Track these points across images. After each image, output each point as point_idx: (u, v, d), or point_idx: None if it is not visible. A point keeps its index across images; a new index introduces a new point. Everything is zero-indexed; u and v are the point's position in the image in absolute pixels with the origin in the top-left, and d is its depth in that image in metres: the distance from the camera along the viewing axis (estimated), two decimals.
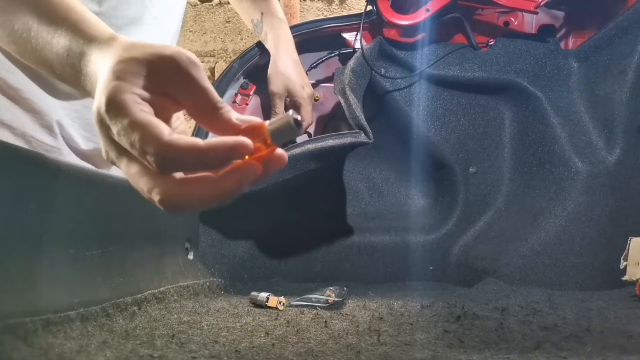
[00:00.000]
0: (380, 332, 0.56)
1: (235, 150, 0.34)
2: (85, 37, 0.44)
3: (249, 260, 1.02)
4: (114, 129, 0.35)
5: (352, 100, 0.94)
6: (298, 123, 0.35)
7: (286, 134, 0.36)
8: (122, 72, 0.36)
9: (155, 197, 0.35)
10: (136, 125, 0.34)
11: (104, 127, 0.36)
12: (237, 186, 0.35)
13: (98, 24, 0.45)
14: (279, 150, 0.38)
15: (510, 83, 1.05)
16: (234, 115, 0.38)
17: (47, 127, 0.71)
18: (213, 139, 0.35)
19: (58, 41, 0.45)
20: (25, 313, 0.43)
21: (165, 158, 0.33)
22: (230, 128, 0.37)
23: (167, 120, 0.39)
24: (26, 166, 0.48)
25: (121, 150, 0.36)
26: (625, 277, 0.79)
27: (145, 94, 0.36)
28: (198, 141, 0.34)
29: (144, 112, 0.35)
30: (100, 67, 0.39)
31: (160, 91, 0.37)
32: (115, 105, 0.34)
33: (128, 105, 0.34)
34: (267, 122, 0.37)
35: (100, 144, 0.38)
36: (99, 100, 0.36)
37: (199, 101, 0.37)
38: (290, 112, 0.35)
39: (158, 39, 0.80)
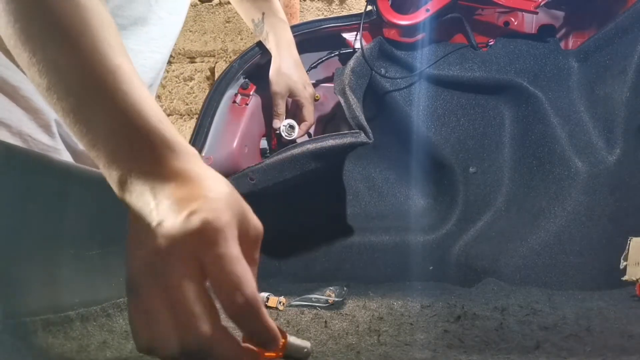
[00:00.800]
0: (380, 332, 0.56)
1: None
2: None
3: None
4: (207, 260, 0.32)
5: (352, 100, 0.94)
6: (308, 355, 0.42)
7: (298, 357, 0.42)
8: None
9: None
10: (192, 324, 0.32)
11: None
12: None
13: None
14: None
15: (510, 83, 1.05)
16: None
17: (45, 126, 0.70)
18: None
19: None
20: (25, 313, 0.43)
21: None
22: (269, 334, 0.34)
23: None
24: (24, 166, 0.48)
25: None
26: (625, 277, 0.79)
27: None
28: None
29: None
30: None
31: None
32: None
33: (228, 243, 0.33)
34: (291, 339, 0.41)
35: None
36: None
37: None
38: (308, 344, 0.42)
39: (162, 40, 0.80)
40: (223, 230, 0.32)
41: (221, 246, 0.32)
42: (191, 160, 0.38)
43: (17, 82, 0.67)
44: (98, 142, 0.37)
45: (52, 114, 0.71)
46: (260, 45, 1.05)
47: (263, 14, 1.03)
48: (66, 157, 0.73)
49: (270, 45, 1.01)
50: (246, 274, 0.32)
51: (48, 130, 0.71)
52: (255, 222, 0.36)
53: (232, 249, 0.32)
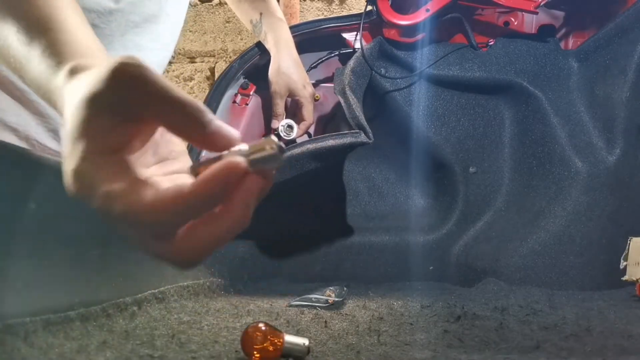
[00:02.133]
0: (380, 332, 0.56)
1: (229, 176, 0.29)
2: (58, 60, 0.37)
3: (249, 260, 1.02)
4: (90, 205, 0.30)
5: (352, 100, 0.94)
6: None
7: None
8: (80, 129, 0.30)
9: (167, 259, 0.32)
10: (108, 202, 0.29)
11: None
12: (245, 211, 0.31)
13: (80, 39, 0.38)
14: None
15: (510, 83, 1.05)
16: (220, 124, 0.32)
17: (53, 131, 0.70)
18: (197, 178, 0.30)
19: (32, 64, 0.38)
20: (25, 313, 0.43)
21: (154, 224, 0.29)
22: (224, 140, 0.31)
23: (146, 142, 0.34)
24: (26, 167, 0.48)
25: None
26: (625, 277, 0.79)
27: (111, 141, 0.30)
28: (181, 188, 0.29)
29: (112, 182, 0.30)
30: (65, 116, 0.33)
31: (127, 118, 0.31)
32: (81, 181, 0.30)
33: (96, 178, 0.30)
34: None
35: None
36: (64, 173, 0.31)
37: (176, 114, 0.30)
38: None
39: (170, 37, 0.80)
40: (84, 176, 0.30)
41: (89, 199, 0.30)
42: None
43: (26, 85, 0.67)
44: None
45: (59, 119, 0.71)
46: (259, 45, 1.05)
47: (261, 14, 1.02)
48: None
49: (269, 45, 1.01)
50: (123, 209, 0.29)
51: (55, 135, 0.71)
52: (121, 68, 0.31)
53: (98, 192, 0.30)
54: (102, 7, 0.66)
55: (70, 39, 0.38)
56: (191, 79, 1.93)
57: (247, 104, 1.07)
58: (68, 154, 0.31)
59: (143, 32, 0.74)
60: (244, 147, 0.31)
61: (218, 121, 0.31)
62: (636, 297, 0.77)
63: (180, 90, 0.31)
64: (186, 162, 0.38)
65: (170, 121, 0.31)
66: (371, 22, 1.08)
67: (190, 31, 1.91)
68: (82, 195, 0.30)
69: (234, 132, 0.32)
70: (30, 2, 0.40)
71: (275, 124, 1.01)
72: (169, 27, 0.79)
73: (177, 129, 0.31)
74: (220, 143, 0.31)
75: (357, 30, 1.08)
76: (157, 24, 0.76)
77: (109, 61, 0.30)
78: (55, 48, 0.37)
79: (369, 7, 1.07)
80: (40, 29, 0.38)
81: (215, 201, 0.30)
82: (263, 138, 0.31)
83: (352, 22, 1.08)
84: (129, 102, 0.30)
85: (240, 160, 0.29)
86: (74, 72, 0.35)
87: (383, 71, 1.07)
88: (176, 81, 1.93)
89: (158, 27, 0.76)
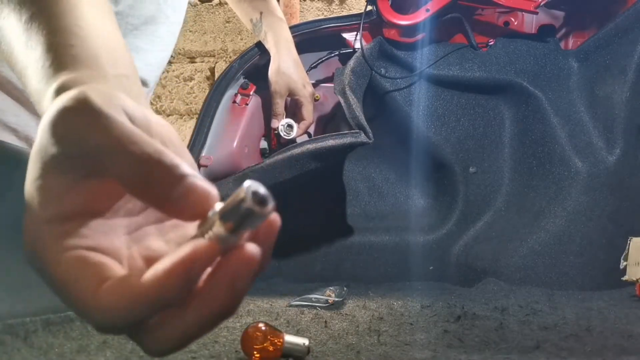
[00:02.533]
0: (380, 332, 0.56)
1: (190, 270, 0.23)
2: (54, 69, 0.30)
3: None
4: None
5: (352, 100, 0.94)
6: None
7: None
8: (32, 198, 0.26)
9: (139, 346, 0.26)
10: (60, 288, 0.24)
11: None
12: (231, 295, 0.24)
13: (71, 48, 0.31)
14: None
15: (510, 83, 1.05)
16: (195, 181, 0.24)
17: None
18: (152, 268, 0.23)
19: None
20: (25, 313, 0.43)
21: (103, 325, 0.24)
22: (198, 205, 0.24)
23: (117, 200, 0.27)
24: (26, 167, 0.48)
25: None
26: (625, 277, 0.79)
27: (64, 206, 0.25)
28: (131, 284, 0.23)
29: (62, 264, 0.24)
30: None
31: (80, 176, 0.25)
32: (28, 252, 0.26)
33: (50, 253, 0.25)
34: (288, 337, 0.30)
35: None
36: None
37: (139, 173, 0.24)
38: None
39: (169, 38, 0.80)
40: (37, 249, 0.25)
41: (44, 275, 0.25)
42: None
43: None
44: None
45: None
46: (260, 45, 1.05)
47: (261, 13, 1.02)
48: None
49: (269, 44, 1.01)
50: (73, 299, 0.24)
51: None
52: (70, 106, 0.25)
53: (51, 274, 0.25)
54: None
55: (76, 43, 0.31)
56: (191, 79, 1.93)
57: (247, 104, 1.07)
58: (26, 212, 0.26)
59: (142, 34, 0.74)
60: (218, 206, 0.24)
61: (193, 177, 0.24)
62: (636, 297, 0.77)
63: (143, 136, 0.24)
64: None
65: (125, 178, 0.24)
66: (371, 22, 1.08)
67: (190, 31, 1.91)
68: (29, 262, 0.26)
69: (211, 189, 0.24)
70: None
71: (275, 123, 1.01)
72: (168, 28, 0.79)
73: (134, 189, 0.24)
74: (193, 207, 0.24)
75: (357, 30, 1.08)
76: (156, 25, 0.76)
77: (54, 101, 0.25)
78: (54, 53, 0.30)
79: (369, 7, 1.07)
80: (42, 26, 0.31)
81: (177, 297, 0.23)
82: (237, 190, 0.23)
83: (352, 22, 1.08)
84: (79, 154, 0.24)
85: (204, 242, 0.23)
86: (59, 91, 0.28)
87: (383, 71, 1.07)
88: (176, 81, 1.93)
89: (157, 29, 0.76)
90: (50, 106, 0.25)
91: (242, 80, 1.06)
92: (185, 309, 0.24)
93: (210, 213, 0.24)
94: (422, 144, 1.08)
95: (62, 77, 0.29)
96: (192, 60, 1.93)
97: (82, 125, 0.24)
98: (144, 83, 0.76)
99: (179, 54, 1.90)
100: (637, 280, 0.77)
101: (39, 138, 0.25)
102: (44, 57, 0.30)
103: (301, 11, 1.79)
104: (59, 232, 0.25)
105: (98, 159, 0.24)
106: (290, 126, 1.01)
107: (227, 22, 1.91)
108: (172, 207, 0.24)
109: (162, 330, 0.25)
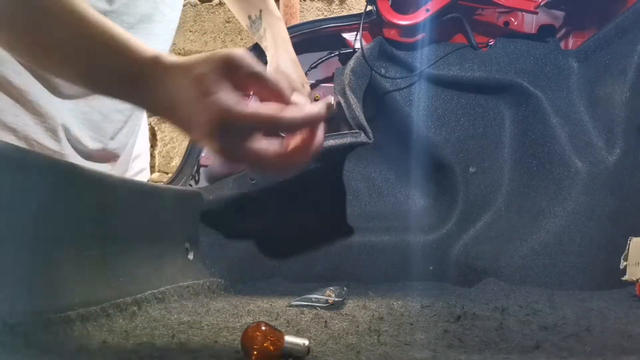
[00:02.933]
0: (380, 332, 0.56)
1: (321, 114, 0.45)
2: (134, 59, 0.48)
3: (249, 260, 1.02)
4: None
5: (352, 100, 0.94)
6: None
7: (297, 355, 0.43)
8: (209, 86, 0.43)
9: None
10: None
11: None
12: (313, 147, 0.46)
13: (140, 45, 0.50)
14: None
15: (510, 83, 1.05)
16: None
17: (51, 131, 0.70)
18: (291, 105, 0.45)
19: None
20: (25, 313, 0.43)
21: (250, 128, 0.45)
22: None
23: None
24: (26, 166, 0.48)
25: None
26: (625, 277, 0.79)
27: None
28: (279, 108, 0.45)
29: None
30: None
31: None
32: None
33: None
34: (288, 337, 0.44)
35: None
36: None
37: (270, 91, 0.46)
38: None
39: (165, 36, 0.80)
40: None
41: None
42: None
43: (24, 85, 0.67)
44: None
45: (58, 118, 0.71)
46: (258, 46, 1.04)
47: (260, 10, 1.02)
48: (72, 162, 0.73)
49: (267, 43, 1.01)
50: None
51: (54, 135, 0.71)
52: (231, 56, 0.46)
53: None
54: (96, 8, 0.67)
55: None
56: None
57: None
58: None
59: (137, 32, 0.74)
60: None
61: (292, 97, 0.47)
62: (636, 297, 0.77)
63: (270, 74, 0.46)
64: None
65: (262, 94, 0.46)
66: (371, 22, 1.08)
67: (190, 31, 1.91)
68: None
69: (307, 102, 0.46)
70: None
71: None
72: (164, 26, 0.79)
73: (266, 99, 0.46)
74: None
75: (357, 30, 1.08)
76: (152, 24, 0.76)
77: (219, 52, 0.45)
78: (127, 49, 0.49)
79: (369, 7, 1.07)
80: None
81: (296, 126, 0.45)
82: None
83: (352, 22, 1.08)
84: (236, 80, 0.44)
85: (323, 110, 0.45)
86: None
87: (383, 71, 1.07)
88: None
89: (153, 27, 0.76)
90: (211, 55, 0.45)
91: None
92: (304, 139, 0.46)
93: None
94: (422, 144, 1.08)
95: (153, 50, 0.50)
96: None
97: (238, 66, 0.44)
98: None
99: (179, 54, 1.90)
100: (637, 280, 0.76)
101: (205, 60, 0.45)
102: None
103: (301, 11, 1.79)
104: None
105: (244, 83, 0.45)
106: None
107: (227, 22, 1.91)
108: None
109: (294, 143, 0.46)
